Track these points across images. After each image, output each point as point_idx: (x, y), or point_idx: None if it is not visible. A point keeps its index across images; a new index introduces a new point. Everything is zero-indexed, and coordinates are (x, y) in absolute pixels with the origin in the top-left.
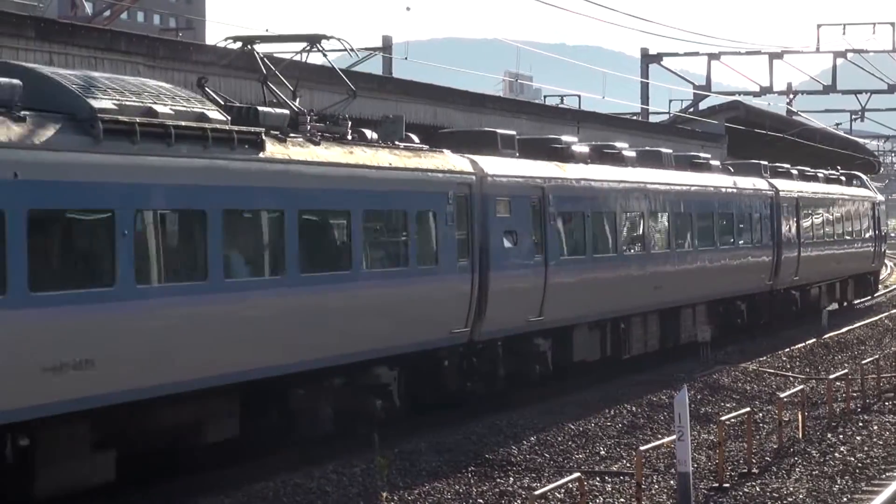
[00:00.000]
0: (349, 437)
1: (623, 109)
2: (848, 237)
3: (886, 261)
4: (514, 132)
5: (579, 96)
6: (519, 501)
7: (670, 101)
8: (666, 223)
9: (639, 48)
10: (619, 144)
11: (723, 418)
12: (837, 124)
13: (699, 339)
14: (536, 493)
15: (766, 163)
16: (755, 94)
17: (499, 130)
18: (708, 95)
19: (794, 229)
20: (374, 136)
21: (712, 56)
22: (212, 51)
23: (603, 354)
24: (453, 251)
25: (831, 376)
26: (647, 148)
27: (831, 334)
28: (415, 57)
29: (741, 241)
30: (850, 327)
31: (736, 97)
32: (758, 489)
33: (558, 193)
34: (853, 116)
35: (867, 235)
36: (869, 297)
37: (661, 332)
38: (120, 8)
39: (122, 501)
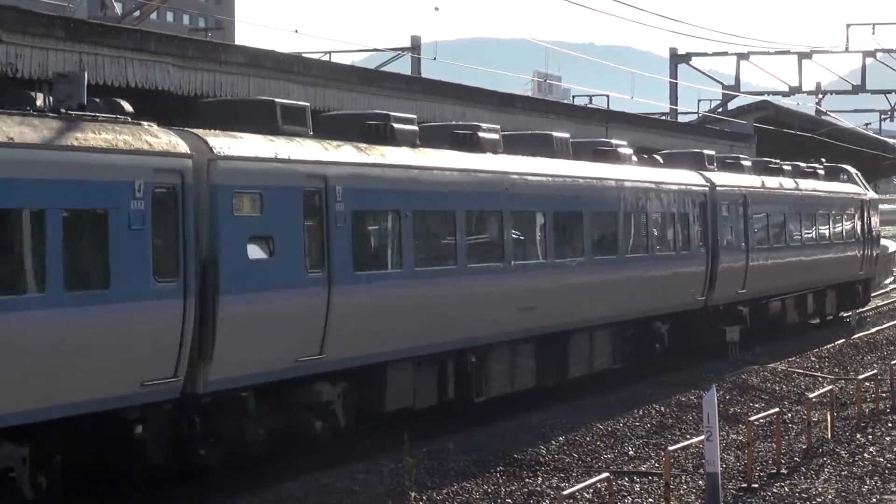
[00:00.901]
0: (378, 436)
1: (652, 109)
2: (825, 241)
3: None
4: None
5: (608, 96)
6: (547, 501)
7: (699, 101)
8: (541, 226)
9: (667, 48)
10: (485, 126)
11: (751, 418)
12: (867, 124)
13: (728, 339)
14: (565, 492)
15: (712, 153)
16: (784, 94)
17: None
18: (737, 95)
19: (739, 232)
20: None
21: (741, 56)
22: (241, 51)
23: (442, 398)
24: (144, 269)
25: (860, 376)
26: (536, 132)
27: (860, 335)
28: (443, 57)
29: (658, 248)
30: (880, 328)
31: (765, 97)
32: (786, 489)
33: (353, 185)
34: (882, 116)
35: (852, 238)
36: (857, 311)
37: (538, 366)
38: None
39: (154, 500)
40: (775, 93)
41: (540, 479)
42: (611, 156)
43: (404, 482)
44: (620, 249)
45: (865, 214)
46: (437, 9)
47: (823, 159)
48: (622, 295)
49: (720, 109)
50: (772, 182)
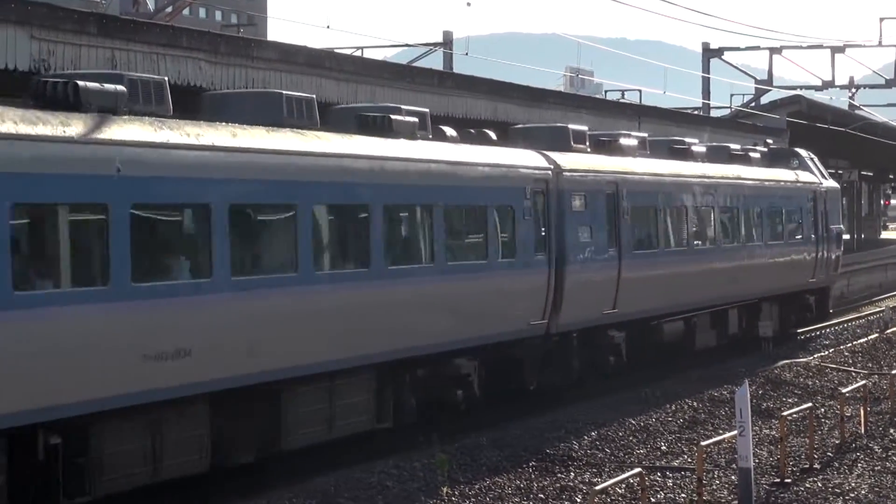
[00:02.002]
0: (409, 431)
1: (684, 104)
2: (757, 241)
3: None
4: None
5: (640, 91)
6: (580, 496)
7: (731, 95)
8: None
9: (700, 42)
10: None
11: (784, 413)
12: None
13: (760, 334)
14: (597, 487)
15: (584, 128)
16: (817, 89)
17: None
18: (769, 90)
19: (605, 232)
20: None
21: (774, 50)
22: (273, 47)
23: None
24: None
25: (894, 371)
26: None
27: (894, 329)
28: (475, 52)
29: (453, 257)
30: None
31: (798, 91)
32: (819, 485)
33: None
34: None
35: (800, 238)
36: (812, 326)
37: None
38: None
39: (186, 496)
40: (808, 87)
41: (572, 474)
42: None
43: (437, 477)
44: (424, 255)
45: (820, 208)
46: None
47: (770, 140)
48: (410, 318)
49: (753, 104)
50: (669, 167)
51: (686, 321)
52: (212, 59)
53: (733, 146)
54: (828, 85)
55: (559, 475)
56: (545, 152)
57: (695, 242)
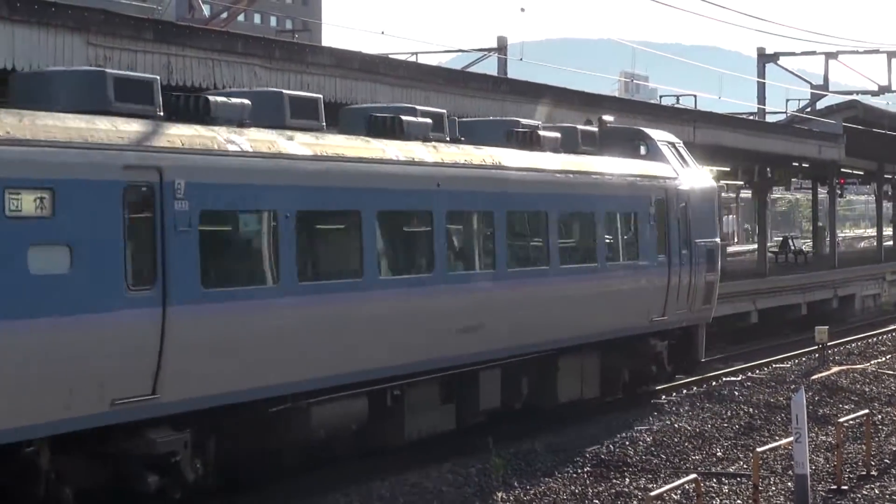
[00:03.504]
0: (465, 436)
1: (739, 109)
2: (541, 265)
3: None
4: None
5: (695, 96)
6: (635, 502)
7: (787, 100)
8: None
9: (755, 48)
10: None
11: (841, 420)
12: None
13: (816, 340)
14: (652, 493)
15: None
16: (873, 94)
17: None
18: (825, 95)
19: (149, 262)
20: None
21: (829, 55)
22: (328, 52)
23: None
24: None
25: None
26: None
27: None
28: (529, 58)
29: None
30: None
31: (854, 96)
32: (877, 492)
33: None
34: None
35: (636, 257)
36: (658, 384)
37: None
38: (237, 10)
39: (240, 500)
40: (864, 92)
41: (627, 479)
42: None
43: (492, 482)
44: None
45: (677, 213)
46: (523, 9)
47: (605, 116)
48: None
49: (808, 109)
50: (348, 146)
51: (374, 397)
52: (267, 64)
53: (526, 122)
54: (884, 90)
55: (614, 481)
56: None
57: (404, 269)
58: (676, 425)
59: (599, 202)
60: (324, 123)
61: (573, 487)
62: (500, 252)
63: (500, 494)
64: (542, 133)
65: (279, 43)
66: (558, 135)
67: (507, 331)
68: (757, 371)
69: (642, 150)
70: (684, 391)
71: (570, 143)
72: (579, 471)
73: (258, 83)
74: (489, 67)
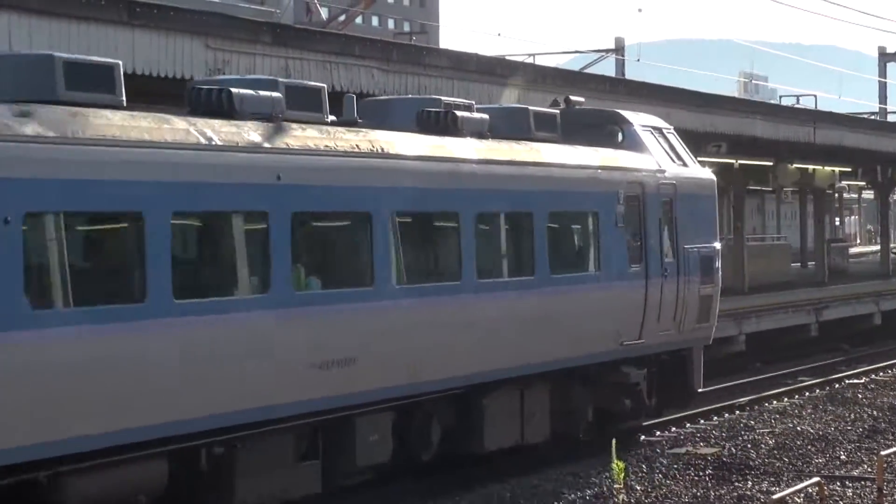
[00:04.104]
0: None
1: (860, 109)
2: (447, 278)
3: None
4: None
5: (815, 96)
6: None
7: None
8: None
9: (876, 46)
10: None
11: None
12: None
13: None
14: (775, 497)
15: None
16: None
17: None
18: None
19: None
20: None
21: None
22: (445, 55)
23: None
24: None
25: None
26: None
27: None
28: (647, 59)
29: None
30: None
31: None
32: None
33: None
34: None
35: (593, 267)
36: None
37: None
38: (354, 13)
39: (354, 501)
40: None
41: (750, 482)
42: None
43: (612, 485)
44: None
45: (656, 213)
46: (640, 10)
47: (574, 97)
48: None
49: None
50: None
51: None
52: (384, 66)
53: (451, 100)
54: None
55: (736, 484)
56: None
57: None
58: (799, 428)
59: (539, 200)
60: None
61: (695, 490)
62: (380, 265)
63: (621, 497)
64: (460, 114)
65: (396, 45)
66: (484, 117)
67: (397, 364)
68: (881, 373)
69: (619, 138)
70: (807, 393)
71: (518, 127)
72: (700, 474)
73: (376, 85)
74: (607, 69)
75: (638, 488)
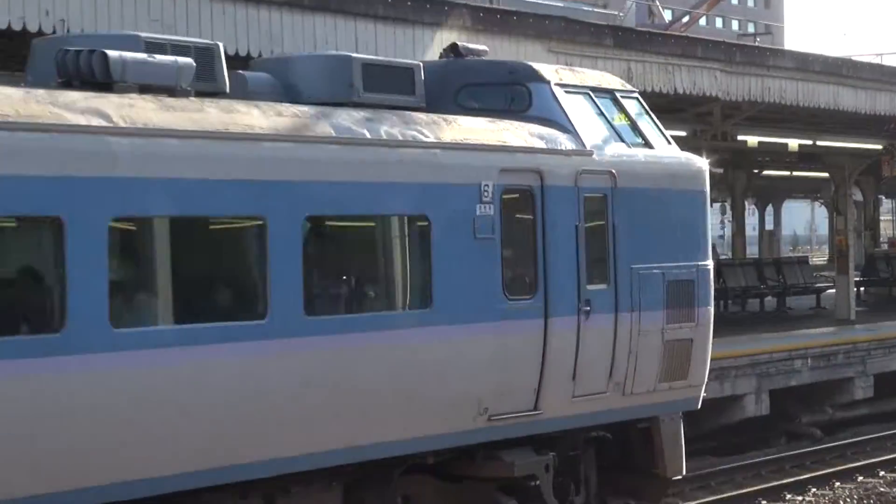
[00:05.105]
0: None
1: None
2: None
3: None
4: None
5: None
6: None
7: None
8: None
9: None
10: None
11: None
12: None
13: None
14: None
15: None
16: None
17: None
18: None
19: None
20: None
21: None
22: (789, 55)
23: None
24: None
25: None
26: None
27: None
28: None
29: None
30: None
31: None
32: None
33: None
34: None
35: (435, 293)
36: None
37: None
38: (697, 14)
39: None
40: None
41: None
42: None
43: None
44: None
45: (580, 217)
46: None
47: (464, 44)
48: None
49: None
50: None
51: None
52: (727, 68)
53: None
54: None
55: None
56: None
57: None
58: None
59: (279, 198)
60: None
61: None
62: None
63: None
64: (115, 56)
65: (739, 47)
66: (187, 61)
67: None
68: None
69: (527, 103)
70: None
71: (337, 86)
72: None
73: (718, 87)
74: None
75: None
